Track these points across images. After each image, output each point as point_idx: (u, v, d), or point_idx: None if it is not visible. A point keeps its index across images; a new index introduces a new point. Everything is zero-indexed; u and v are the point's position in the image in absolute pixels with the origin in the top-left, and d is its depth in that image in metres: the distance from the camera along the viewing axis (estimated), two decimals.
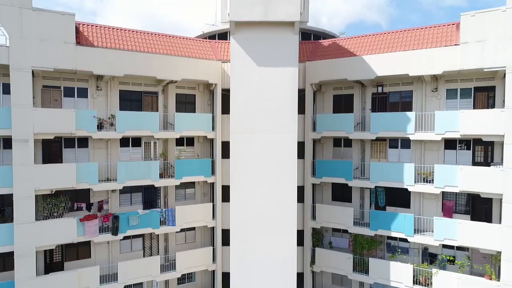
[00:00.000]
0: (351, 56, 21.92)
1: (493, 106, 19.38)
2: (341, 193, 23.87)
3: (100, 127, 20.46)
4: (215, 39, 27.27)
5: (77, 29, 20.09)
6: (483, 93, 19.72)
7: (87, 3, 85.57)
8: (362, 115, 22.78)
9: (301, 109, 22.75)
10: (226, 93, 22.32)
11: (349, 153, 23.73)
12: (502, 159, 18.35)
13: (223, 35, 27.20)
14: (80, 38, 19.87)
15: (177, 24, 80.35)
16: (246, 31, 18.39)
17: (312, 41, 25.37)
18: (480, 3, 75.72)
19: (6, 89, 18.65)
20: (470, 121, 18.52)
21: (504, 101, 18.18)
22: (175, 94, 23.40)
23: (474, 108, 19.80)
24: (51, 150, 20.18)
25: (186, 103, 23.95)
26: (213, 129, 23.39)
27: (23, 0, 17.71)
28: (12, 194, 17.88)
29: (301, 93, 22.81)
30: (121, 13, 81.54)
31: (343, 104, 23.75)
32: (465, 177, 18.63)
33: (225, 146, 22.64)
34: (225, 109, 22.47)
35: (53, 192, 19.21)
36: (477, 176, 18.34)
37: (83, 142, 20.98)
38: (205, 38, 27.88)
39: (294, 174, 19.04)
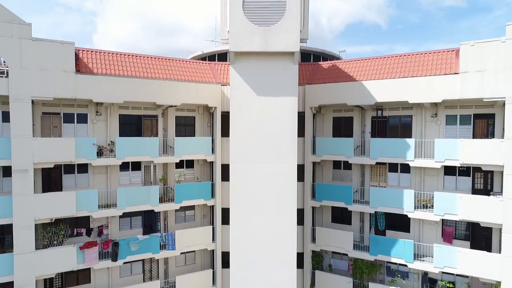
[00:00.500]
0: (351, 81, 21.91)
1: (492, 134, 19.39)
2: (341, 215, 23.88)
3: (100, 153, 20.46)
4: (214, 59, 27.29)
5: (76, 55, 20.09)
6: (483, 120, 19.72)
7: (87, 3, 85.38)
8: (362, 140, 22.79)
9: (301, 132, 22.76)
10: (226, 115, 22.32)
11: (349, 175, 23.74)
12: (501, 188, 18.37)
13: (223, 55, 27.20)
14: (80, 65, 19.87)
15: (176, 24, 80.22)
16: (245, 61, 18.39)
17: (312, 62, 25.35)
18: (479, 4, 75.61)
19: (6, 117, 18.65)
20: (469, 150, 18.52)
21: (503, 129, 18.20)
22: (175, 117, 23.40)
23: (473, 135, 19.82)
24: (51, 176, 20.18)
25: (186, 125, 23.95)
26: (212, 152, 23.39)
27: (23, 31, 17.73)
28: (11, 223, 17.88)
29: (301, 114, 22.81)
30: (120, 13, 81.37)
31: (342, 126, 23.75)
32: (465, 206, 18.64)
33: (225, 168, 22.66)
34: (225, 132, 22.46)
35: (53, 221, 19.22)
36: (477, 206, 18.34)
37: (83, 167, 20.98)
38: (205, 58, 27.90)
39: (294, 203, 19.04)
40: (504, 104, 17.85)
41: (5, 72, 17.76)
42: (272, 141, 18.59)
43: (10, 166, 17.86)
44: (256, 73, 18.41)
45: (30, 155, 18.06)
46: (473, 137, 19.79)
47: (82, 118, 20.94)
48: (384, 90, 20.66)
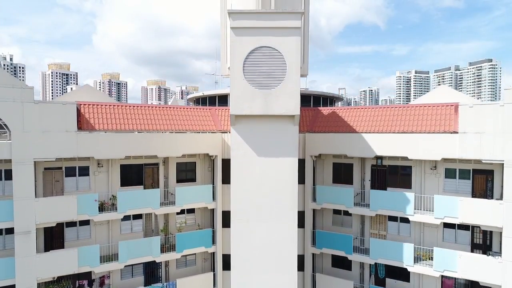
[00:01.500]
0: (351, 132, 22.05)
1: (492, 190, 19.52)
2: (342, 261, 23.97)
3: (101, 208, 20.59)
4: (215, 103, 27.41)
5: (78, 110, 20.19)
6: (482, 176, 19.85)
7: (87, 4, 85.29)
8: (362, 188, 22.93)
9: (301, 179, 22.85)
10: (227, 161, 22.41)
11: (349, 220, 23.85)
12: (500, 246, 18.50)
13: (223, 98, 27.30)
14: (81, 122, 19.98)
15: (176, 24, 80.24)
16: (246, 122, 18.51)
17: (312, 108, 25.46)
18: (479, 4, 75.60)
19: (8, 175, 18.75)
20: (468, 210, 18.67)
21: (502, 186, 18.34)
22: (176, 163, 23.52)
23: (473, 190, 19.95)
24: (53, 231, 20.30)
25: (186, 171, 24.07)
26: (213, 198, 23.52)
27: (25, 95, 17.86)
28: (14, 284, 18.00)
29: (301, 161, 22.91)
30: (120, 14, 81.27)
31: (342, 172, 23.87)
32: (464, 264, 18.78)
33: (226, 215, 22.79)
34: (226, 179, 22.60)
35: (55, 279, 19.35)
36: (476, 264, 18.48)
37: (85, 221, 21.08)
38: (205, 98, 28.01)
39: (294, 263, 19.13)
40: (502, 164, 17.98)
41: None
42: (273, 201, 18.71)
43: (13, 228, 17.98)
44: (256, 134, 18.53)
45: (33, 216, 18.19)
46: (472, 192, 19.93)
47: (84, 171, 21.06)
48: (383, 144, 20.79)
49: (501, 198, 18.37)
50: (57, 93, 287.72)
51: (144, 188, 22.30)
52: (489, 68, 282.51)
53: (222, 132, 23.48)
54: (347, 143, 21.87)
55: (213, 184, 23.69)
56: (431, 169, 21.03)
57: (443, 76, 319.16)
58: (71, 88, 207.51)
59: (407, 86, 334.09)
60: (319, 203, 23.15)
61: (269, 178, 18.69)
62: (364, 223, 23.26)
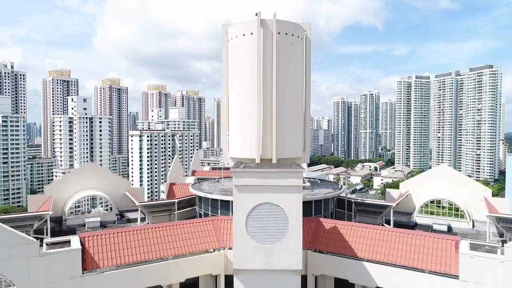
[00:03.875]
0: (353, 256, 22.19)
1: None
2: None
3: None
4: (217, 209, 27.57)
5: (82, 244, 20.42)
6: None
7: (86, 7, 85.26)
8: None
9: None
10: (230, 278, 22.61)
11: None
12: None
13: (225, 202, 27.46)
14: (86, 261, 20.13)
15: (175, 27, 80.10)
16: (249, 273, 18.71)
17: (314, 218, 25.55)
18: (478, 4, 75.39)
19: None
20: None
21: None
22: (179, 284, 23.64)
23: None
24: None
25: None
26: None
27: (31, 250, 18.08)
28: None
29: (303, 277, 23.09)
30: (120, 16, 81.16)
31: None
32: None
33: None
34: None
35: None
36: None
37: None
38: (208, 199, 28.16)
39: None
40: None
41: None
42: None
43: None
44: (260, 284, 18.72)
45: None
46: None
47: None
48: (386, 276, 20.99)
49: None
50: (58, 101, 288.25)
51: None
52: (489, 74, 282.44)
53: (224, 249, 23.66)
54: (349, 269, 22.06)
55: None
56: None
57: (444, 82, 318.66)
58: (72, 99, 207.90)
59: (407, 91, 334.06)
60: None
61: None
62: None
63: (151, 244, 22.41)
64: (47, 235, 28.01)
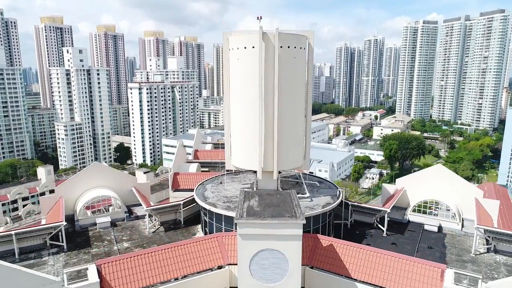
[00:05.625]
0: (346, 276, 24.22)
1: None
2: None
3: None
4: (221, 222, 29.11)
5: (99, 272, 22.34)
6: None
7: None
8: None
9: None
10: None
11: None
12: None
13: (229, 219, 28.97)
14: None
15: None
16: None
17: (312, 235, 27.18)
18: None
19: None
20: None
21: None
22: None
23: None
24: None
25: None
26: None
27: None
28: None
29: None
30: None
31: None
32: None
33: None
34: None
35: None
36: None
37: None
38: (212, 213, 29.61)
39: None
40: None
41: None
42: None
43: None
44: None
45: None
46: None
47: None
48: None
49: None
50: (53, 50, 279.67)
51: None
52: (500, 19, 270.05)
53: (230, 265, 25.69)
54: (343, 287, 24.22)
55: None
56: None
57: (452, 27, 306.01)
58: (67, 51, 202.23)
59: (413, 37, 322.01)
60: None
61: None
62: None
63: (163, 266, 24.37)
64: (62, 241, 30.01)
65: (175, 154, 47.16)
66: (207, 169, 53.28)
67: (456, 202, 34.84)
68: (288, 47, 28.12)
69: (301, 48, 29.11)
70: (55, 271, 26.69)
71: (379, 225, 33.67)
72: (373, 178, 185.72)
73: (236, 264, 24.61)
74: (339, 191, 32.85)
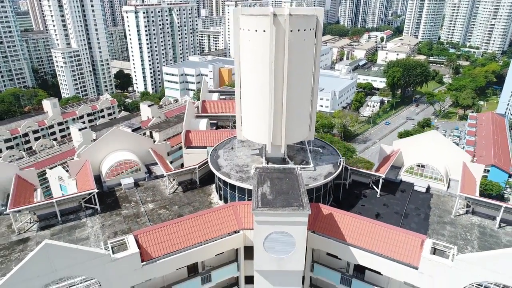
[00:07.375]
0: (342, 240, 28.89)
1: None
2: None
3: None
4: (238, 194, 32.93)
5: (136, 240, 26.93)
6: None
7: None
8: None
9: None
10: (249, 248, 29.99)
11: None
12: None
13: (242, 190, 32.69)
14: (143, 255, 26.76)
15: None
16: (265, 271, 25.67)
17: (315, 204, 31.13)
18: None
19: None
20: None
21: None
22: None
23: None
24: None
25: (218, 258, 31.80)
26: (238, 269, 32.12)
27: (105, 259, 24.52)
28: None
29: None
30: None
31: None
32: None
33: (248, 279, 31.86)
34: (248, 256, 30.73)
35: None
36: None
37: None
38: (226, 184, 33.28)
39: None
40: None
41: None
42: None
43: None
44: (272, 278, 25.90)
45: None
46: None
47: None
48: (364, 258, 28.11)
49: None
50: None
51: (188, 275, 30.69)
52: None
53: (243, 229, 30.28)
54: (339, 249, 29.11)
55: (237, 262, 31.83)
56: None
57: None
58: None
59: None
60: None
61: None
62: None
63: (188, 234, 28.91)
64: (96, 204, 34.38)
65: (185, 113, 49.47)
66: (215, 121, 56.09)
67: (445, 165, 38.46)
68: (298, 30, 28.71)
69: (311, 29, 29.64)
70: (95, 233, 31.44)
71: (374, 186, 37.79)
72: (373, 106, 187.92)
73: (249, 229, 29.25)
74: (340, 160, 36.17)
